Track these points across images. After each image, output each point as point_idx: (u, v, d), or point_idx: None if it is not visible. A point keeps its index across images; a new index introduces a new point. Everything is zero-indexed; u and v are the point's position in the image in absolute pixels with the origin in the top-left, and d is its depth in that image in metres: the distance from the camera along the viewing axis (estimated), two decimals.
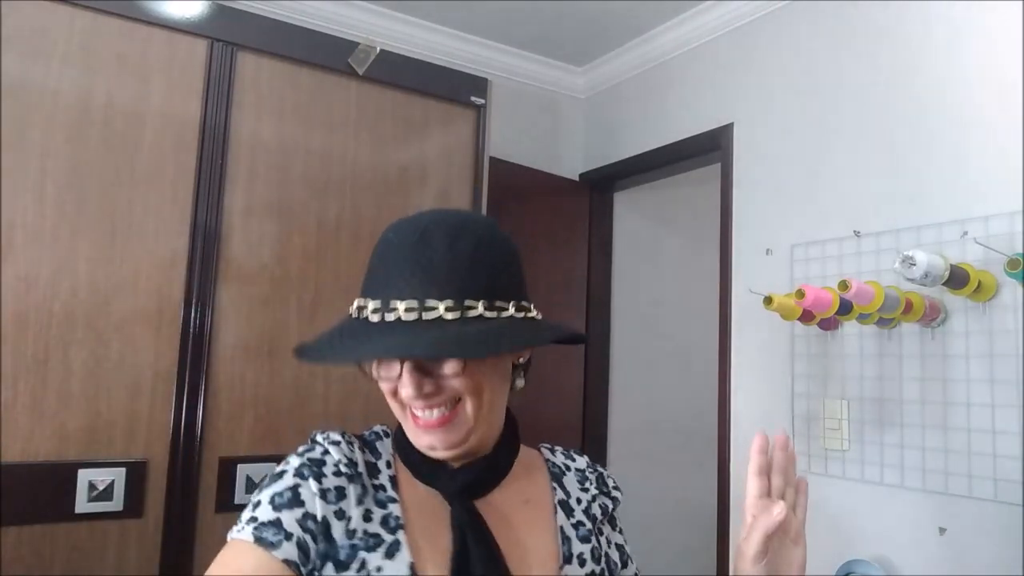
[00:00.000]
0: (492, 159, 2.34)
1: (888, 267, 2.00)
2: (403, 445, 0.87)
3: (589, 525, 0.93)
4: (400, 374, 0.79)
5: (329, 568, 0.78)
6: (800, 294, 1.89)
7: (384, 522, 0.83)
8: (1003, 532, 1.76)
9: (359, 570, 0.79)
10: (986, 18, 1.94)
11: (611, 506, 0.98)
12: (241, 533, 0.79)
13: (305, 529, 0.78)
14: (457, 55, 2.99)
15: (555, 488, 0.94)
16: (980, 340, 1.85)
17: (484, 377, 0.81)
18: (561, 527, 0.90)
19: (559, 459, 0.99)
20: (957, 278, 1.77)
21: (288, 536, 0.77)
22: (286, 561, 0.76)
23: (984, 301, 1.84)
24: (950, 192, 1.95)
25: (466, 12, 2.84)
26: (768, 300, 1.97)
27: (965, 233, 1.89)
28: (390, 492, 0.86)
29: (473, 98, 2.30)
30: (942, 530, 1.88)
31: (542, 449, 1.00)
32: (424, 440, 0.82)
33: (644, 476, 3.30)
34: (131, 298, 1.74)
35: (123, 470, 1.69)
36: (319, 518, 0.79)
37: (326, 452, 0.85)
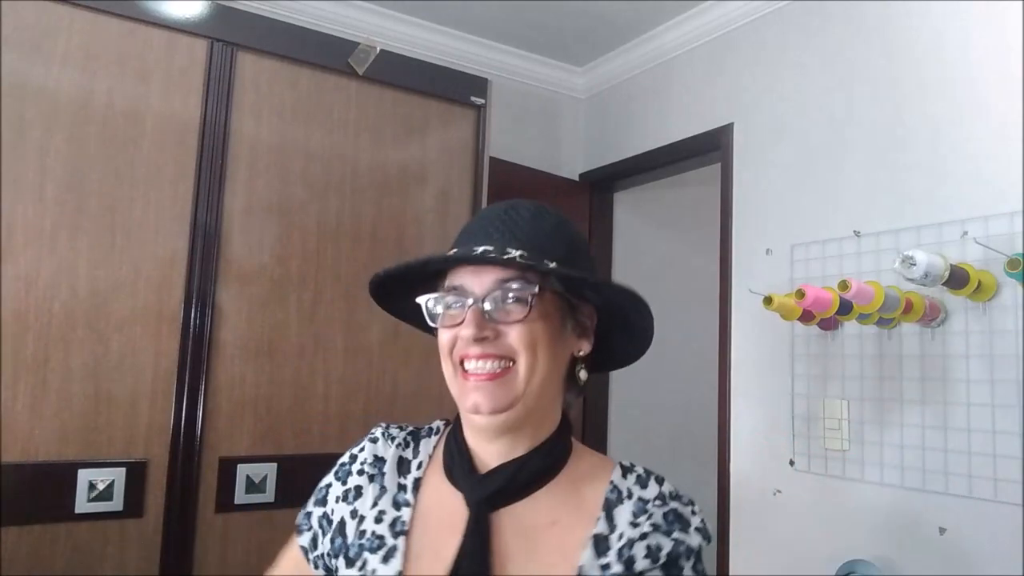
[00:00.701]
0: (492, 159, 2.34)
1: (888, 267, 2.00)
2: (450, 440, 0.87)
3: (620, 569, 0.77)
4: (464, 319, 0.79)
5: (341, 563, 0.84)
6: (800, 294, 1.89)
7: (392, 525, 0.84)
8: (1003, 532, 1.76)
9: (360, 569, 0.81)
10: (986, 18, 1.94)
11: (669, 550, 0.79)
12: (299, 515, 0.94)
13: (320, 526, 0.89)
14: (457, 55, 2.99)
15: (601, 516, 0.81)
16: (980, 340, 1.85)
17: (542, 337, 0.80)
18: (582, 565, 0.78)
19: (628, 482, 0.85)
20: (957, 278, 1.77)
21: (309, 528, 0.90)
22: (302, 547, 0.90)
23: (984, 301, 1.84)
24: (950, 192, 1.95)
25: (466, 12, 2.84)
26: (768, 300, 1.97)
27: (965, 233, 1.89)
28: (408, 495, 0.86)
29: (473, 98, 2.30)
30: (942, 530, 1.88)
31: (617, 465, 0.87)
32: (471, 400, 0.79)
33: None
34: (131, 298, 1.74)
35: (123, 470, 1.70)
36: (335, 520, 0.88)
37: (362, 449, 0.92)
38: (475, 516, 0.80)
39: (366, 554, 0.82)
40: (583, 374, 0.88)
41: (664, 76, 2.99)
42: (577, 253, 0.84)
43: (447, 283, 0.83)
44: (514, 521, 0.81)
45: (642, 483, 0.85)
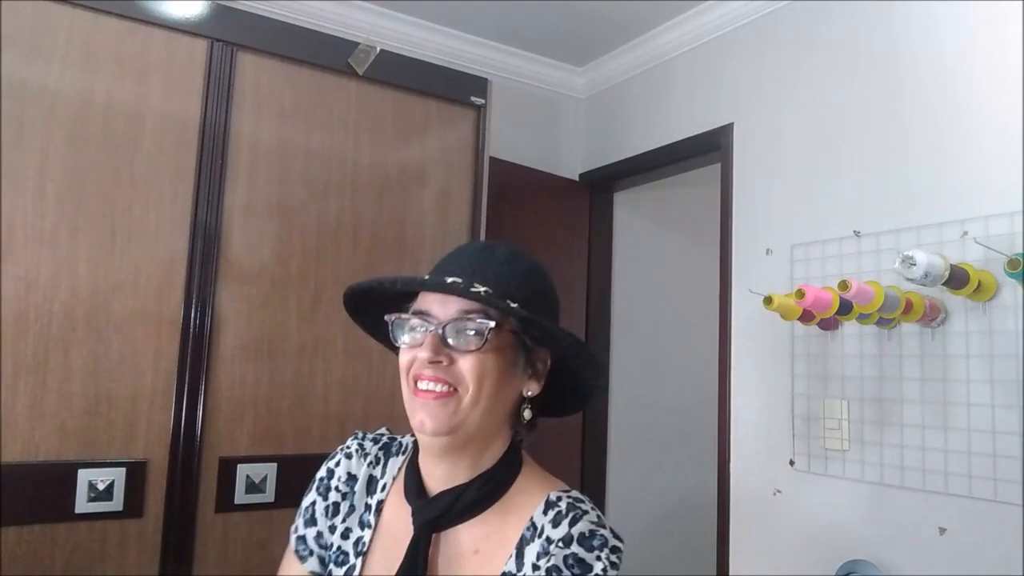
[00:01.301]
0: (492, 159, 2.34)
1: (888, 267, 2.00)
2: (410, 463, 0.93)
3: None
4: (423, 340, 0.84)
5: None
6: (800, 294, 1.89)
7: (355, 544, 0.93)
8: (1003, 532, 1.76)
9: None
10: (986, 18, 1.94)
11: None
12: (291, 539, 0.98)
13: (319, 546, 0.96)
14: (457, 55, 2.99)
15: (512, 554, 0.84)
16: (980, 340, 1.85)
17: (491, 371, 0.84)
18: None
19: (546, 518, 0.85)
20: (957, 278, 1.77)
21: (311, 552, 0.96)
22: (312, 572, 0.95)
23: (984, 301, 1.84)
24: (950, 192, 1.95)
25: (466, 12, 2.84)
26: (768, 300, 1.97)
27: (965, 233, 1.89)
28: (371, 516, 0.93)
29: (473, 98, 2.30)
30: (942, 530, 1.88)
31: (550, 496, 0.87)
32: (418, 417, 0.84)
33: (644, 476, 3.30)
34: (131, 298, 1.74)
35: (123, 470, 1.70)
36: (325, 535, 0.96)
37: (338, 464, 0.98)
38: (416, 539, 0.85)
39: (332, 566, 0.93)
40: (527, 413, 0.90)
41: (664, 76, 2.99)
42: (542, 299, 0.89)
43: (415, 307, 0.87)
44: (448, 547, 0.86)
45: (556, 521, 0.84)
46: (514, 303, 0.83)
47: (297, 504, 1.02)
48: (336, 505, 0.96)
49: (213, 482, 1.80)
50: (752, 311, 2.40)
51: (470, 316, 0.83)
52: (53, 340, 1.65)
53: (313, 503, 0.97)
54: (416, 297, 0.88)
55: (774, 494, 2.30)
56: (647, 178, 3.21)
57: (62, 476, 1.64)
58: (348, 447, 0.99)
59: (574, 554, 0.80)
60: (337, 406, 1.97)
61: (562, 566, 0.80)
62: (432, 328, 0.84)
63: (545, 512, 0.85)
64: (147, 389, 1.74)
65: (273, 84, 1.98)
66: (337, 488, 0.96)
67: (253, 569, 1.81)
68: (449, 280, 0.83)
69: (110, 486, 1.68)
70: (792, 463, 2.26)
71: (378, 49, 2.11)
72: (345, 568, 0.91)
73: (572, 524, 0.82)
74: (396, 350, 0.90)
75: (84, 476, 1.65)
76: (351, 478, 0.96)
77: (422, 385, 0.84)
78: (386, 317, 0.88)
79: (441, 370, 0.83)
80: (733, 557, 2.42)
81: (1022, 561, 1.71)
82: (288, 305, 1.94)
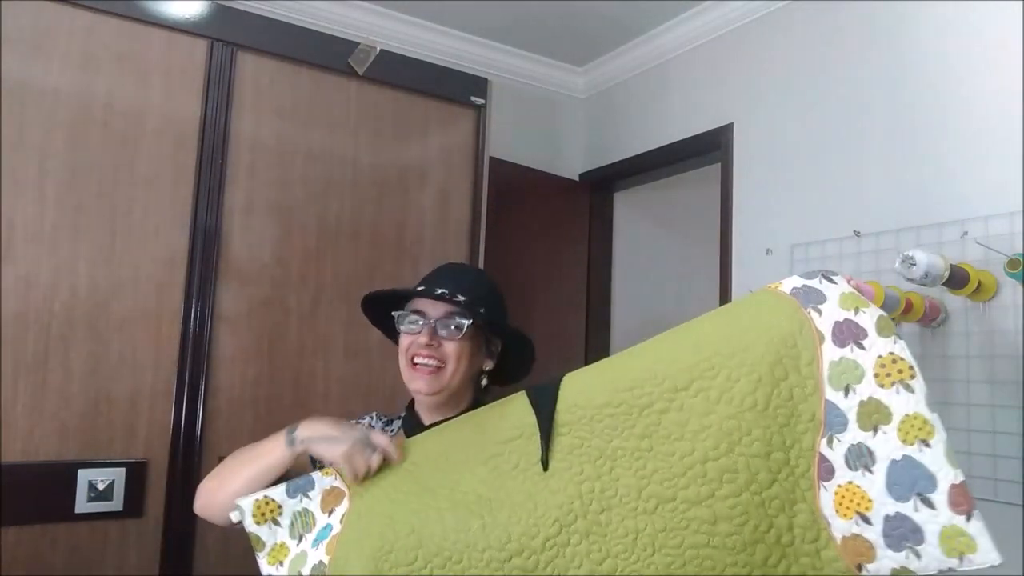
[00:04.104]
0: (492, 159, 2.34)
1: (888, 267, 2.00)
2: (408, 416, 1.29)
3: None
4: (421, 331, 1.21)
5: None
6: None
7: None
8: (1003, 532, 1.76)
9: None
10: (986, 18, 1.94)
11: None
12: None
13: None
14: (457, 55, 2.99)
15: None
16: (980, 340, 1.85)
17: (465, 352, 1.22)
18: None
19: None
20: (957, 278, 1.77)
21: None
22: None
23: (984, 301, 1.84)
24: (950, 192, 1.95)
25: (466, 12, 2.84)
26: None
27: (965, 233, 1.89)
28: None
29: (473, 98, 2.30)
30: None
31: None
32: (416, 384, 1.22)
33: None
34: (131, 298, 1.74)
35: (123, 470, 1.70)
36: None
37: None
38: None
39: None
40: (484, 381, 1.30)
41: (664, 76, 2.99)
42: (499, 304, 1.29)
43: (413, 306, 1.25)
44: None
45: None
46: (481, 308, 1.22)
47: None
48: None
49: None
50: None
51: (452, 316, 1.22)
52: (53, 340, 1.65)
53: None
54: (413, 300, 1.25)
55: None
56: (647, 178, 3.21)
57: (62, 476, 1.64)
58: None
59: None
60: (337, 406, 1.97)
61: None
62: (426, 322, 1.22)
63: None
64: (147, 389, 1.74)
65: (273, 84, 1.98)
66: None
67: (253, 569, 1.80)
68: (439, 291, 1.22)
69: (110, 486, 1.68)
70: None
71: (378, 49, 2.11)
72: None
73: None
74: (393, 338, 1.29)
75: (84, 476, 1.65)
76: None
77: (419, 360, 1.21)
78: (394, 313, 1.26)
79: (433, 350, 1.20)
80: None
81: (1022, 561, 1.71)
82: (288, 305, 1.94)
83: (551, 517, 0.95)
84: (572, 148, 3.38)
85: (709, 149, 2.74)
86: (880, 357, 0.90)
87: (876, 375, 0.90)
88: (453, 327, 1.21)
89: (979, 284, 1.79)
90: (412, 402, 1.30)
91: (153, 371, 1.75)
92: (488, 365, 1.29)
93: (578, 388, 1.05)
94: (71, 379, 1.67)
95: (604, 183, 3.31)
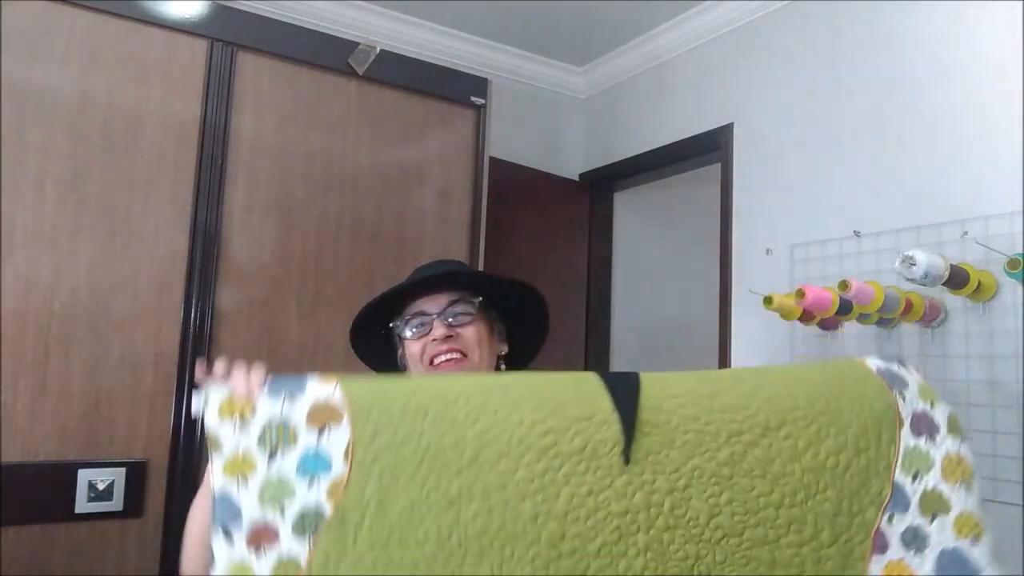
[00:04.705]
0: (492, 159, 2.34)
1: (888, 267, 2.00)
2: None
3: None
4: (431, 328, 1.16)
5: None
6: (800, 294, 1.89)
7: None
8: (1003, 532, 1.76)
9: None
10: (986, 18, 1.94)
11: None
12: None
13: None
14: (457, 55, 2.99)
15: None
16: (980, 340, 1.85)
17: (484, 336, 1.18)
18: None
19: None
20: (957, 278, 1.77)
21: None
22: None
23: (984, 301, 1.84)
24: (950, 192, 1.95)
25: (466, 12, 2.84)
26: (768, 300, 1.97)
27: (965, 233, 1.89)
28: None
29: (473, 98, 2.30)
30: None
31: None
32: None
33: None
34: (131, 298, 1.74)
35: (123, 470, 1.70)
36: None
37: None
38: None
39: None
40: (503, 367, 1.25)
41: (664, 76, 2.99)
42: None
43: (408, 311, 1.19)
44: None
45: None
46: (475, 287, 1.20)
47: None
48: None
49: None
50: (752, 311, 2.40)
51: (457, 302, 1.18)
52: (53, 340, 1.65)
53: None
54: (405, 307, 1.20)
55: None
56: (647, 178, 3.21)
57: (62, 476, 1.64)
58: None
59: None
60: None
61: None
62: (433, 317, 1.16)
63: None
64: (147, 389, 1.74)
65: (273, 84, 1.98)
66: None
67: None
68: (433, 275, 1.19)
69: (110, 486, 1.68)
70: None
71: (378, 49, 2.11)
72: None
73: None
74: (388, 364, 1.24)
75: (84, 476, 1.65)
76: None
77: (439, 359, 1.15)
78: (391, 324, 1.20)
79: (453, 341, 1.15)
80: None
81: (1022, 561, 1.71)
82: (288, 305, 1.94)
83: (613, 523, 0.86)
84: (572, 148, 3.38)
85: (709, 149, 2.74)
86: (948, 455, 0.99)
87: (943, 469, 0.99)
88: (461, 312, 1.16)
89: (979, 284, 1.79)
90: None
91: (153, 371, 1.75)
92: (503, 349, 1.26)
93: (663, 390, 0.96)
94: (71, 379, 1.67)
95: (604, 183, 3.31)
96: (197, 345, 1.80)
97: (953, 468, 0.99)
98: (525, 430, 0.86)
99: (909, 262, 1.70)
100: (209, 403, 0.85)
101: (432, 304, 1.18)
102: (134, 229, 1.76)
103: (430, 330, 1.16)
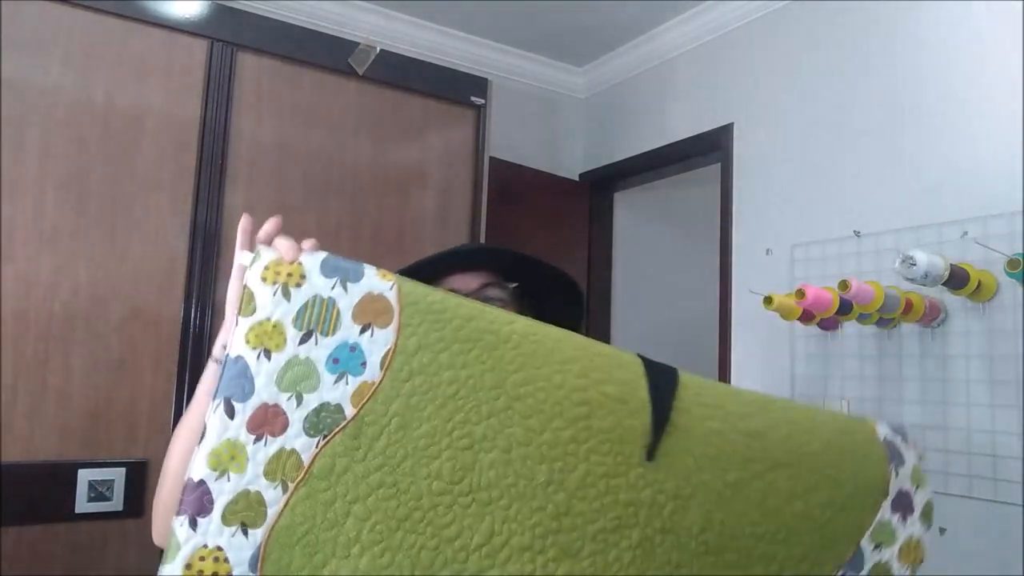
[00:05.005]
0: (492, 159, 2.34)
1: (888, 267, 2.00)
2: None
3: None
4: (476, 289, 1.09)
5: None
6: (800, 294, 1.89)
7: None
8: (1003, 532, 1.76)
9: None
10: (985, 18, 1.94)
11: None
12: None
13: None
14: (457, 55, 2.99)
15: None
16: (980, 340, 1.85)
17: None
18: None
19: None
20: (957, 278, 1.77)
21: None
22: None
23: (984, 301, 1.84)
24: (950, 192, 1.95)
25: (466, 12, 2.84)
26: (768, 300, 1.97)
27: (965, 233, 1.89)
28: None
29: (473, 98, 2.30)
30: (942, 530, 1.88)
31: None
32: None
33: None
34: (131, 298, 1.74)
35: (123, 470, 1.70)
36: None
37: None
38: None
39: None
40: None
41: (664, 76, 2.99)
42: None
43: (441, 286, 1.08)
44: None
45: None
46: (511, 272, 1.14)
47: None
48: None
49: None
50: (752, 311, 2.40)
51: (490, 284, 1.11)
52: (53, 340, 1.65)
53: None
54: (439, 281, 1.11)
55: None
56: (647, 178, 3.21)
57: (62, 476, 1.64)
58: None
59: None
60: None
61: None
62: (470, 295, 1.06)
63: None
64: (147, 389, 1.74)
65: (273, 84, 1.98)
66: None
67: None
68: (472, 250, 1.18)
69: (110, 486, 1.68)
70: None
71: (378, 49, 2.11)
72: None
73: None
74: None
75: (84, 476, 1.65)
76: None
77: None
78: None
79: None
80: None
81: (1022, 561, 1.71)
82: None
83: (616, 511, 0.84)
84: (572, 148, 3.38)
85: (709, 149, 2.74)
86: (911, 537, 1.04)
87: (902, 549, 1.04)
88: (493, 296, 1.10)
89: (979, 284, 1.79)
90: None
91: (153, 371, 1.75)
92: None
93: (697, 396, 0.93)
94: (71, 379, 1.67)
95: (604, 183, 3.31)
96: (197, 345, 1.80)
97: (910, 551, 1.04)
98: (564, 393, 0.82)
99: (909, 262, 1.70)
100: (258, 262, 0.76)
101: (465, 283, 1.11)
102: (134, 229, 1.76)
103: (475, 290, 1.09)
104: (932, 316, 1.90)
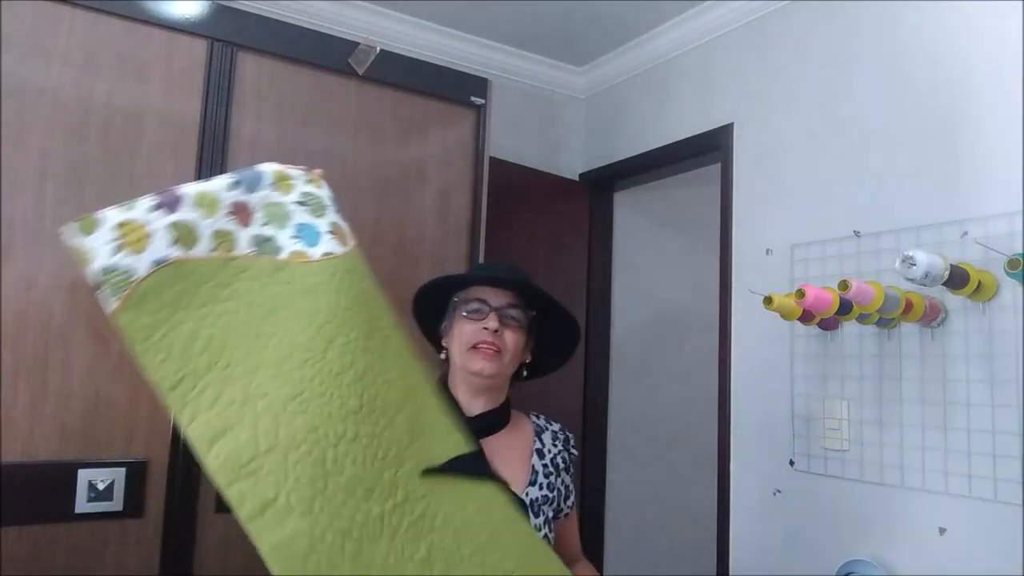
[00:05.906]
0: (492, 159, 2.34)
1: (888, 267, 2.00)
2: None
3: (551, 468, 1.43)
4: (486, 317, 1.32)
5: None
6: (800, 294, 1.89)
7: None
8: (1003, 532, 1.76)
9: None
10: (985, 18, 1.94)
11: (569, 459, 1.47)
12: None
13: None
14: (457, 55, 2.99)
15: (535, 439, 1.44)
16: (980, 340, 1.85)
17: (520, 343, 1.35)
18: (533, 464, 1.40)
19: (541, 422, 1.49)
20: (957, 278, 1.77)
21: None
22: None
23: (984, 301, 1.84)
24: (950, 192, 1.95)
25: (466, 12, 2.84)
26: (768, 300, 1.97)
27: (965, 233, 1.89)
28: None
29: (473, 98, 2.30)
30: (942, 530, 1.88)
31: (530, 415, 1.50)
32: (478, 364, 1.32)
33: (644, 476, 3.30)
34: None
35: (123, 470, 1.69)
36: None
37: None
38: (474, 438, 1.25)
39: None
40: (524, 372, 1.44)
41: (664, 76, 2.99)
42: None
43: (471, 294, 1.35)
44: (488, 446, 1.31)
45: (548, 422, 1.50)
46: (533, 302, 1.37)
47: None
48: None
49: None
50: (752, 311, 2.40)
51: (514, 305, 1.34)
52: (53, 340, 1.65)
53: None
54: (468, 289, 1.36)
55: (774, 494, 2.30)
56: (647, 178, 3.21)
57: (62, 476, 1.64)
58: None
59: (567, 437, 1.50)
60: None
61: (563, 441, 1.49)
62: (491, 309, 1.32)
63: (538, 418, 1.49)
64: (147, 389, 1.71)
65: (273, 84, 1.98)
66: None
67: (253, 569, 1.79)
68: (502, 274, 1.39)
69: (110, 486, 1.68)
70: (792, 463, 2.26)
71: (378, 49, 2.11)
72: None
73: (555, 423, 1.51)
74: (431, 338, 1.43)
75: (84, 476, 1.65)
76: None
77: (482, 345, 1.31)
78: (455, 296, 1.37)
79: (496, 337, 1.31)
80: (733, 557, 2.42)
81: (1022, 561, 1.71)
82: None
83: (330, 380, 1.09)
84: (572, 148, 3.38)
85: (709, 149, 2.74)
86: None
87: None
88: (514, 316, 1.33)
89: (979, 284, 1.79)
90: (444, 384, 1.38)
91: None
92: (527, 358, 1.41)
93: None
94: (71, 379, 1.67)
95: (604, 183, 3.31)
96: None
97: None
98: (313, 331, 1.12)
99: (909, 262, 1.70)
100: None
101: (494, 297, 1.33)
102: None
103: (484, 317, 1.32)
104: (932, 316, 1.90)
